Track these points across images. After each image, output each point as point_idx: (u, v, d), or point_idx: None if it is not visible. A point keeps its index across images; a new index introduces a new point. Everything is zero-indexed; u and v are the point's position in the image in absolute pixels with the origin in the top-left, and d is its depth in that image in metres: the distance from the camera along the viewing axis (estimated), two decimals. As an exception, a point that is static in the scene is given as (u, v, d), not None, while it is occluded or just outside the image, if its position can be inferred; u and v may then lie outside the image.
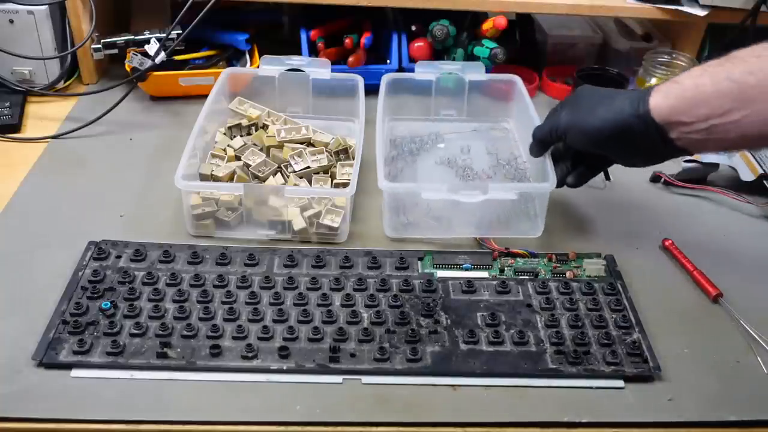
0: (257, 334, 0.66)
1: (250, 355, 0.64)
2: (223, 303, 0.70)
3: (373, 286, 0.73)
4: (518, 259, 0.78)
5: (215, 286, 0.71)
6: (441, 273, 0.76)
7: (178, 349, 0.65)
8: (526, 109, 0.94)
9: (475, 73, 1.02)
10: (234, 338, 0.66)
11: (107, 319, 0.67)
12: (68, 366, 0.63)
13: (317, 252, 0.76)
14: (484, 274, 0.76)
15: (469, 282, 0.74)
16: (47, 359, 0.63)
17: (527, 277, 0.76)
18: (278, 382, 0.64)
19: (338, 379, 0.64)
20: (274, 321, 0.68)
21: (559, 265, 0.78)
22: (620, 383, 0.65)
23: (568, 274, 0.76)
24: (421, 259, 0.77)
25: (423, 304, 0.71)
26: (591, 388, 0.65)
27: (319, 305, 0.70)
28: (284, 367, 0.64)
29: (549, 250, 0.80)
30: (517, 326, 0.69)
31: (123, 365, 0.63)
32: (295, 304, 0.70)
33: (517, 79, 1.01)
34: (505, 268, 0.77)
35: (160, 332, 0.66)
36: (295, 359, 0.65)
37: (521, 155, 0.97)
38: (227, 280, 0.72)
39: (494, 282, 0.74)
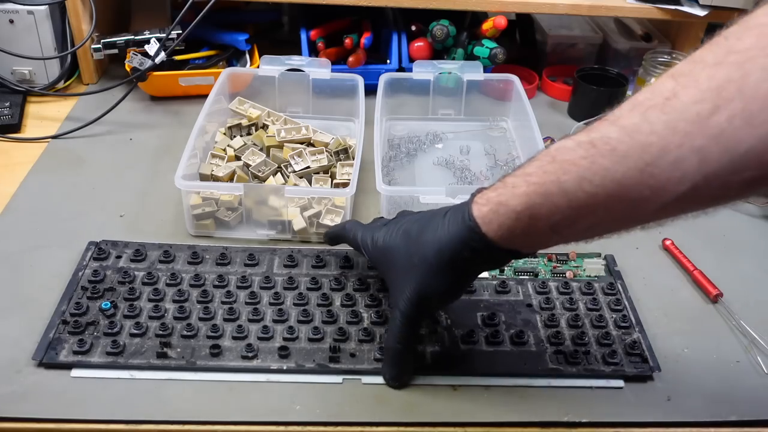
0: (257, 334, 0.66)
1: (250, 355, 0.64)
2: (223, 303, 0.70)
3: (374, 285, 0.72)
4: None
5: (215, 286, 0.71)
6: None
7: (178, 349, 0.65)
8: (523, 108, 0.94)
9: (473, 72, 1.02)
10: (234, 338, 0.66)
11: (107, 319, 0.67)
12: (68, 366, 0.63)
13: (317, 252, 0.76)
14: (484, 273, 0.76)
15: None
16: (47, 359, 0.63)
17: (527, 277, 0.76)
18: (278, 382, 0.64)
19: (338, 379, 0.64)
20: (274, 321, 0.68)
21: (558, 264, 0.78)
22: (620, 383, 0.65)
23: (567, 273, 0.76)
24: None
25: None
26: (591, 388, 0.65)
27: (319, 305, 0.70)
28: (284, 367, 0.64)
29: (549, 249, 0.80)
30: (516, 326, 0.69)
31: (123, 365, 0.63)
32: (295, 304, 0.70)
33: (515, 79, 1.01)
34: (505, 268, 0.77)
35: (160, 332, 0.66)
36: (295, 359, 0.65)
37: (519, 156, 0.97)
38: (227, 280, 0.72)
39: (494, 282, 0.74)
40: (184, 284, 0.71)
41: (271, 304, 0.70)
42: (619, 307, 0.72)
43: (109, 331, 0.66)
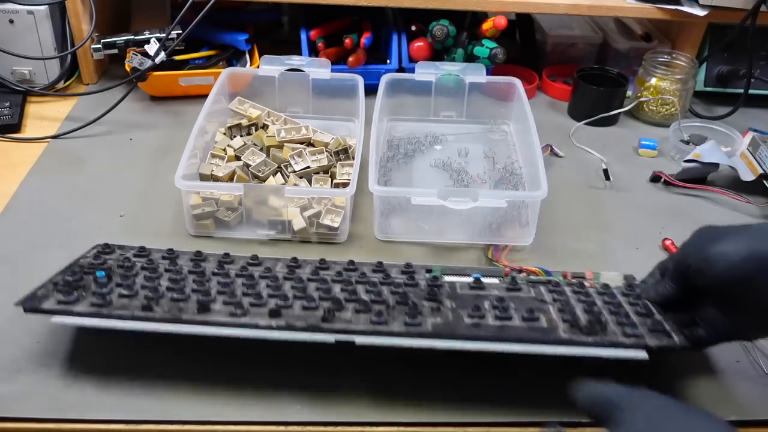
0: (249, 301, 0.63)
1: (238, 312, 0.61)
2: (219, 283, 0.66)
3: (377, 279, 0.68)
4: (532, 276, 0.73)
5: (214, 273, 0.68)
6: (449, 279, 0.71)
7: (165, 308, 0.62)
8: (524, 112, 0.94)
9: (476, 75, 1.01)
10: (225, 303, 0.63)
11: (99, 287, 0.64)
12: (50, 313, 0.60)
13: (322, 257, 0.73)
14: (493, 279, 0.71)
15: (477, 280, 0.69)
16: (29, 306, 0.60)
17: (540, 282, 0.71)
18: (268, 339, 0.60)
19: (330, 338, 0.60)
20: (269, 296, 0.64)
21: (575, 281, 0.71)
22: (642, 354, 0.59)
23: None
24: (429, 271, 0.72)
25: (427, 292, 0.66)
26: (609, 360, 0.59)
27: (317, 289, 0.66)
28: (273, 324, 0.60)
29: (548, 249, 0.80)
30: (527, 308, 0.64)
31: (106, 315, 0.60)
32: (292, 287, 0.66)
33: (517, 82, 1.00)
34: (518, 279, 0.71)
35: (149, 294, 0.63)
36: (285, 319, 0.61)
37: (518, 159, 0.96)
38: (227, 269, 0.69)
39: (503, 284, 0.69)
40: (183, 271, 0.68)
41: (267, 286, 0.66)
42: (638, 302, 0.67)
43: (98, 291, 0.63)
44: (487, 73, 1.04)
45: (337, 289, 0.67)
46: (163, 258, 0.72)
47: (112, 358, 0.65)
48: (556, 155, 0.99)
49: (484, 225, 0.82)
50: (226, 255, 0.73)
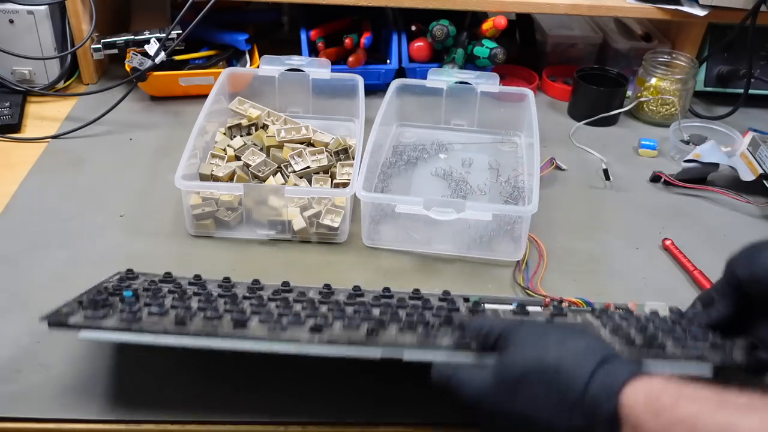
0: (287, 320, 0.59)
1: (277, 328, 0.58)
2: (252, 305, 0.63)
3: (417, 304, 0.66)
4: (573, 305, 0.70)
5: (245, 297, 0.65)
6: (490, 306, 0.68)
7: (199, 325, 0.58)
8: (531, 125, 0.92)
9: (488, 84, 0.99)
10: (261, 322, 0.59)
11: (127, 306, 0.61)
12: (77, 327, 0.56)
13: (354, 287, 0.69)
14: (536, 308, 0.68)
15: (521, 305, 0.67)
16: (55, 320, 0.57)
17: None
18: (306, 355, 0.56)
19: (377, 352, 0.56)
20: (307, 316, 0.61)
21: (619, 311, 0.68)
22: (706, 369, 0.57)
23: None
24: (467, 300, 0.69)
25: (470, 314, 0.64)
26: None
27: (356, 312, 0.62)
28: (315, 339, 0.57)
29: (548, 249, 0.80)
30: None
31: (137, 329, 0.56)
32: (329, 309, 0.63)
33: (529, 93, 0.99)
34: (563, 308, 0.68)
35: (181, 313, 0.59)
36: (328, 335, 0.57)
37: (524, 173, 0.94)
38: (258, 294, 0.66)
39: (547, 311, 0.67)
40: (213, 295, 0.65)
41: (303, 308, 0.63)
42: (691, 326, 0.63)
43: (127, 308, 0.60)
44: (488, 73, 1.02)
45: (376, 312, 0.63)
46: (191, 284, 0.69)
47: (112, 358, 0.65)
48: (560, 168, 0.97)
49: (474, 238, 0.81)
50: (256, 281, 0.69)
